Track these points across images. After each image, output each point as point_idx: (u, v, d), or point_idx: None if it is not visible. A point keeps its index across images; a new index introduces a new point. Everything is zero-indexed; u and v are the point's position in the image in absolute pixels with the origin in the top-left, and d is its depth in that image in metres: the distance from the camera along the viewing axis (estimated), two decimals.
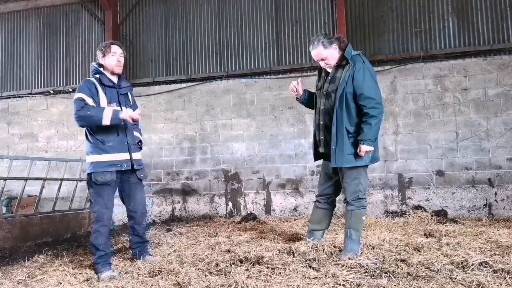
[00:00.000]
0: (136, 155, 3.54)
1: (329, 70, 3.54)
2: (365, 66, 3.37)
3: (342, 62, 3.45)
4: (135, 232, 3.63)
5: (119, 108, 3.44)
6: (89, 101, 3.33)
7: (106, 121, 3.25)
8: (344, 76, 3.36)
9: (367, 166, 3.50)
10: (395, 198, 6.64)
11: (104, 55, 3.47)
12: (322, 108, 3.53)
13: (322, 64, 3.54)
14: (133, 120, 3.42)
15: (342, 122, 3.35)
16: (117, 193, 3.57)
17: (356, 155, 3.36)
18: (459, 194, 6.40)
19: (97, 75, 3.47)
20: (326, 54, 3.46)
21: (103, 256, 3.27)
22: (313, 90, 3.81)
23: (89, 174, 3.36)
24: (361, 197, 3.44)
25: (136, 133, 3.67)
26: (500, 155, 6.30)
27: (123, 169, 3.41)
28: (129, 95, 3.68)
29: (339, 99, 3.35)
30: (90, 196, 3.42)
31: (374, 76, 3.42)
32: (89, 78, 3.49)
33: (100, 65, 3.51)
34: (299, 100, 3.84)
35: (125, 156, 3.42)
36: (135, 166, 3.50)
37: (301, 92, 3.76)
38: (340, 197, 3.76)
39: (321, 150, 3.60)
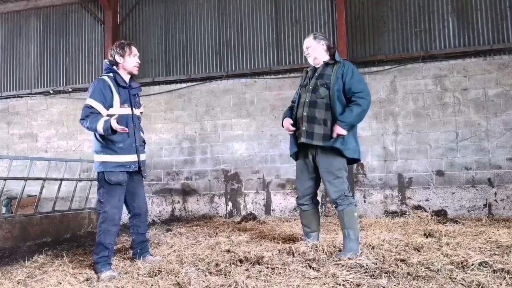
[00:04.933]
0: (142, 157, 3.55)
1: (310, 61, 3.76)
2: (354, 67, 3.64)
3: (331, 62, 3.70)
4: (140, 230, 3.64)
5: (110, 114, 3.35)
6: (99, 107, 3.26)
7: (100, 131, 3.22)
8: (335, 73, 3.58)
9: (347, 163, 3.58)
10: (395, 198, 6.64)
11: (123, 55, 3.46)
12: (307, 100, 3.63)
13: (306, 53, 3.80)
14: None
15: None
16: None
17: (329, 137, 3.46)
18: (459, 194, 6.40)
19: (111, 74, 3.42)
20: (311, 44, 3.72)
21: (106, 256, 3.27)
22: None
23: (101, 173, 3.33)
24: (347, 195, 3.49)
25: (140, 133, 3.67)
26: (500, 155, 6.30)
27: (131, 170, 3.41)
28: (137, 95, 3.68)
29: (328, 94, 3.54)
30: (99, 195, 3.36)
31: (362, 78, 3.71)
32: (102, 77, 3.40)
33: (113, 64, 3.47)
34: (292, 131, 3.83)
35: (133, 158, 3.43)
36: (142, 168, 3.52)
37: (294, 128, 3.76)
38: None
39: (302, 140, 3.62)
